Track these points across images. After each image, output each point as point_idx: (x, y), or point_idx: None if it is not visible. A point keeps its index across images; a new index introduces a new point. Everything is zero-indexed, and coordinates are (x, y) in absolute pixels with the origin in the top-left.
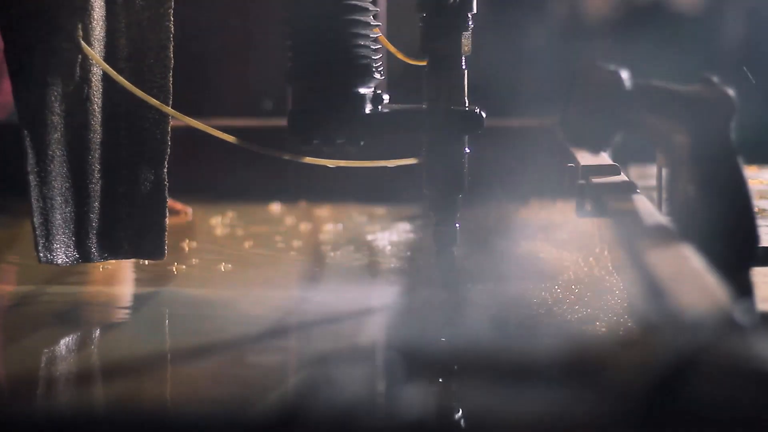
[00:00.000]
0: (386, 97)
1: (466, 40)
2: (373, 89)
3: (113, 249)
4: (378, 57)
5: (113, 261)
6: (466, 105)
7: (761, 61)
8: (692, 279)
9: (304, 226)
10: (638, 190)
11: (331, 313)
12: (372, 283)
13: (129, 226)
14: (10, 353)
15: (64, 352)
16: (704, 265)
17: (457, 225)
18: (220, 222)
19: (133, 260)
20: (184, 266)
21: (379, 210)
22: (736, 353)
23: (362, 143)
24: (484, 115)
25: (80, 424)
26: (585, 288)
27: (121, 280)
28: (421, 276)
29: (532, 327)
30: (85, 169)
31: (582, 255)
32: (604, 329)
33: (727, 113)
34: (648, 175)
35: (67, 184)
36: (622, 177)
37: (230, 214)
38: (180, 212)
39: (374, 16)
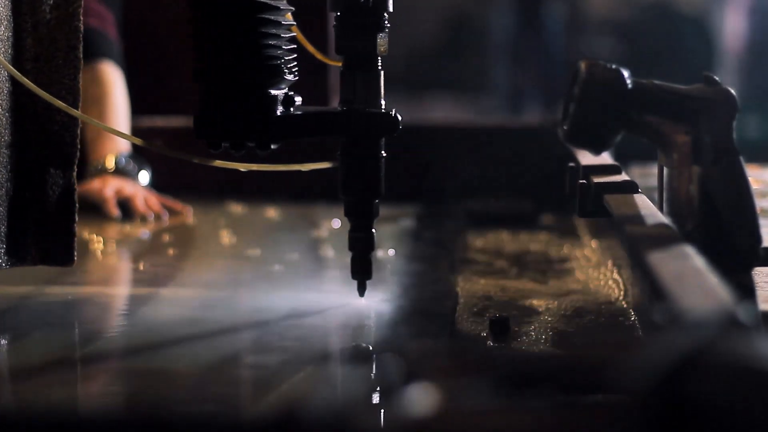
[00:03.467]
0: (298, 99)
1: (383, 41)
2: (285, 91)
3: (20, 255)
4: (292, 57)
5: (111, 261)
6: (383, 107)
7: (761, 61)
8: (694, 279)
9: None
10: (639, 190)
11: None
12: None
13: (37, 232)
14: (9, 353)
15: (61, 353)
16: (706, 265)
17: (374, 230)
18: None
19: (131, 260)
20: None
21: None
22: (737, 353)
23: (274, 147)
24: (400, 117)
25: (78, 424)
26: (586, 288)
27: (120, 280)
28: None
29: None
30: None
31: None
32: (605, 329)
33: (729, 112)
34: (649, 174)
35: None
36: (624, 176)
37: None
38: (180, 212)
39: (290, 15)
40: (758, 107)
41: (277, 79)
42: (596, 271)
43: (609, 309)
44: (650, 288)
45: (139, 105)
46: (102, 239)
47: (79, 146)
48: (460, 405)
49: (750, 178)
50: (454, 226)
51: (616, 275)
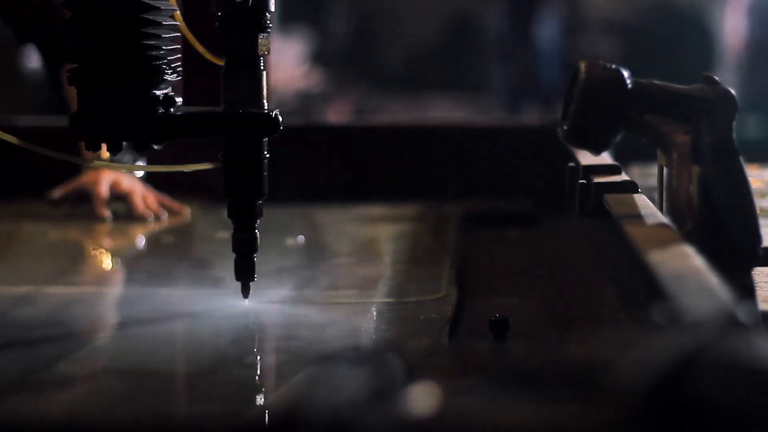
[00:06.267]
0: (179, 100)
1: (264, 41)
2: (166, 91)
3: None
4: (174, 57)
5: (111, 261)
6: (265, 107)
7: (761, 61)
8: (694, 279)
9: None
10: (639, 190)
11: None
12: None
13: None
14: (8, 354)
15: (59, 353)
16: (706, 265)
17: (257, 231)
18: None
19: (130, 261)
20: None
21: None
22: (737, 353)
23: (156, 147)
24: (280, 118)
25: (75, 425)
26: (585, 288)
27: (119, 280)
28: None
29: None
30: None
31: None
32: (604, 329)
33: (729, 112)
34: (649, 174)
35: None
36: (623, 176)
37: None
38: (177, 212)
39: (178, 15)
40: (758, 107)
41: (156, 79)
42: (596, 271)
43: (608, 309)
44: (650, 288)
45: None
46: (97, 239)
47: None
48: (460, 405)
49: (750, 178)
50: (453, 226)
51: (615, 274)
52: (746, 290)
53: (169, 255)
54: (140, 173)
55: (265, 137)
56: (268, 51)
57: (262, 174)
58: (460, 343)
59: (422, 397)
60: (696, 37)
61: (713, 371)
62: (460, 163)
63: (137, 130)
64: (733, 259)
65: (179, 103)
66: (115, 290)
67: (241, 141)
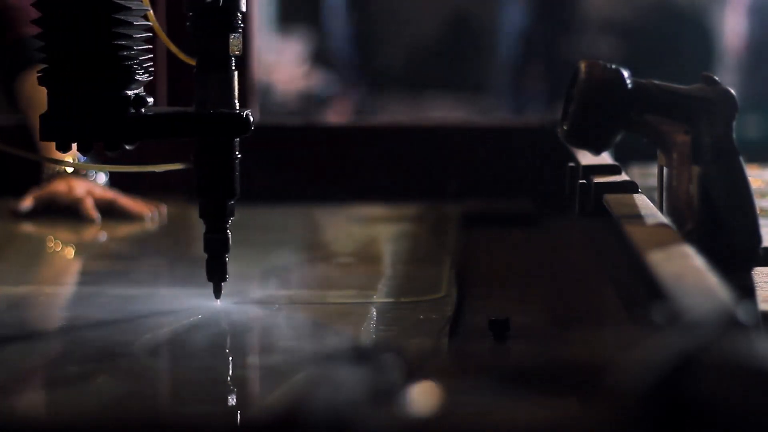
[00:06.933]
0: (150, 100)
1: (235, 41)
2: (137, 91)
3: None
4: (146, 58)
5: (109, 261)
6: (236, 107)
7: (761, 61)
8: (694, 279)
9: None
10: (639, 190)
11: None
12: None
13: None
14: (7, 354)
15: (58, 353)
16: (706, 265)
17: (228, 232)
18: None
19: (129, 261)
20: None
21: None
22: (737, 353)
23: (128, 147)
24: (252, 118)
25: (74, 425)
26: (585, 288)
27: (118, 280)
28: None
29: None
30: None
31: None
32: (604, 329)
33: (728, 112)
34: (649, 174)
35: None
36: (623, 176)
37: None
38: (135, 216)
39: (151, 14)
40: (758, 107)
41: (128, 80)
42: (596, 271)
43: (608, 309)
44: (650, 288)
45: None
46: (94, 240)
47: None
48: (460, 405)
49: (750, 178)
50: (453, 226)
51: (615, 274)
52: (746, 290)
53: (169, 255)
54: (103, 179)
55: (236, 137)
56: (240, 51)
57: (233, 174)
58: (460, 343)
59: (422, 397)
60: (696, 37)
61: (713, 371)
62: (460, 163)
63: (108, 130)
64: (733, 259)
65: (150, 103)
66: (115, 290)
67: (212, 141)
